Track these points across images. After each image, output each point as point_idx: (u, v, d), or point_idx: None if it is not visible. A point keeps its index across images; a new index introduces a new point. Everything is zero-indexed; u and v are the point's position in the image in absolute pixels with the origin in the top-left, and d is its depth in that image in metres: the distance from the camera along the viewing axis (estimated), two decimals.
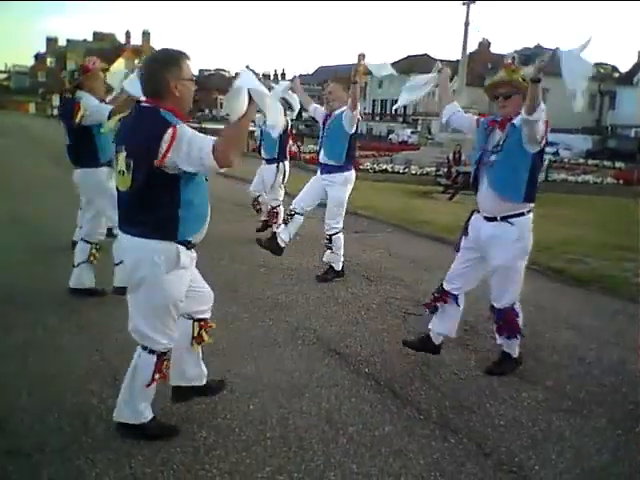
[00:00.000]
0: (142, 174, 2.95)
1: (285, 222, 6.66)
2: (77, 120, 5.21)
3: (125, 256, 3.18)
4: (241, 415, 3.65)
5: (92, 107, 5.19)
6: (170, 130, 2.85)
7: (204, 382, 3.58)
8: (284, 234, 6.48)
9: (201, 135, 2.94)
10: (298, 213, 6.51)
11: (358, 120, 6.27)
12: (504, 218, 4.17)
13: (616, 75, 57.50)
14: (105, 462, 3.10)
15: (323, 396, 3.95)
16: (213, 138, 2.87)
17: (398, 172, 20.40)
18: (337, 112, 6.36)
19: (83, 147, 5.38)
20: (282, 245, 6.49)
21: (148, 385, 3.23)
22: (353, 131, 6.30)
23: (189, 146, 2.85)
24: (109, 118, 5.07)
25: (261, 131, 9.10)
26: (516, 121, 4.08)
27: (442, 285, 4.53)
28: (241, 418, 3.62)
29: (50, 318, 5.02)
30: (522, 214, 4.17)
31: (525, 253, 4.26)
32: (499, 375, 4.31)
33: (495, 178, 4.16)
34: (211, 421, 3.55)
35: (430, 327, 4.55)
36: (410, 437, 3.52)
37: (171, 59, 3.02)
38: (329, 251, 6.61)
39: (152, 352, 3.21)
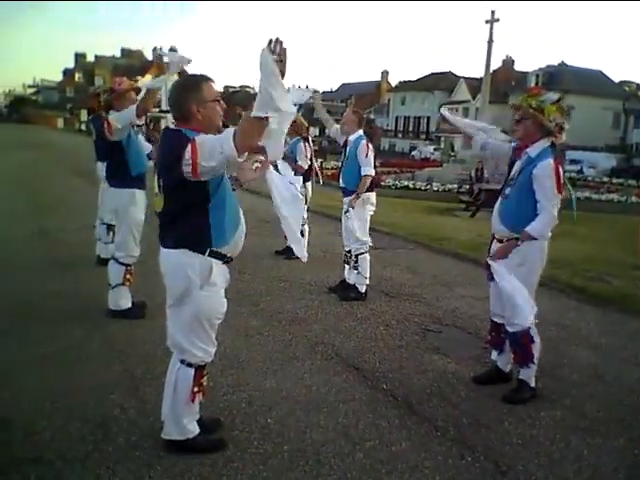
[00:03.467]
0: (170, 190, 3.07)
1: (346, 263, 6.79)
2: (108, 134, 5.24)
3: (163, 271, 3.22)
4: (259, 428, 3.69)
5: (115, 115, 5.22)
6: (190, 145, 2.89)
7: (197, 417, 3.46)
8: (359, 279, 6.62)
9: (220, 135, 2.97)
10: (357, 253, 6.60)
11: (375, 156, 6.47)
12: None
13: None
14: (125, 472, 3.17)
15: (341, 411, 3.98)
16: (231, 130, 2.86)
17: (420, 189, 20.39)
18: (353, 138, 6.50)
19: (113, 166, 5.45)
20: (363, 290, 6.65)
21: (189, 400, 3.27)
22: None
23: (212, 145, 2.86)
24: (138, 115, 5.11)
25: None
26: (530, 152, 4.11)
27: (491, 319, 4.56)
28: (259, 431, 3.66)
29: (75, 330, 5.13)
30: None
31: (533, 275, 4.22)
32: (515, 404, 4.21)
33: (505, 212, 4.18)
34: (229, 433, 3.59)
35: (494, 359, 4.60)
36: (426, 453, 3.53)
37: (191, 83, 3.11)
38: (355, 272, 6.64)
39: (190, 365, 3.26)
